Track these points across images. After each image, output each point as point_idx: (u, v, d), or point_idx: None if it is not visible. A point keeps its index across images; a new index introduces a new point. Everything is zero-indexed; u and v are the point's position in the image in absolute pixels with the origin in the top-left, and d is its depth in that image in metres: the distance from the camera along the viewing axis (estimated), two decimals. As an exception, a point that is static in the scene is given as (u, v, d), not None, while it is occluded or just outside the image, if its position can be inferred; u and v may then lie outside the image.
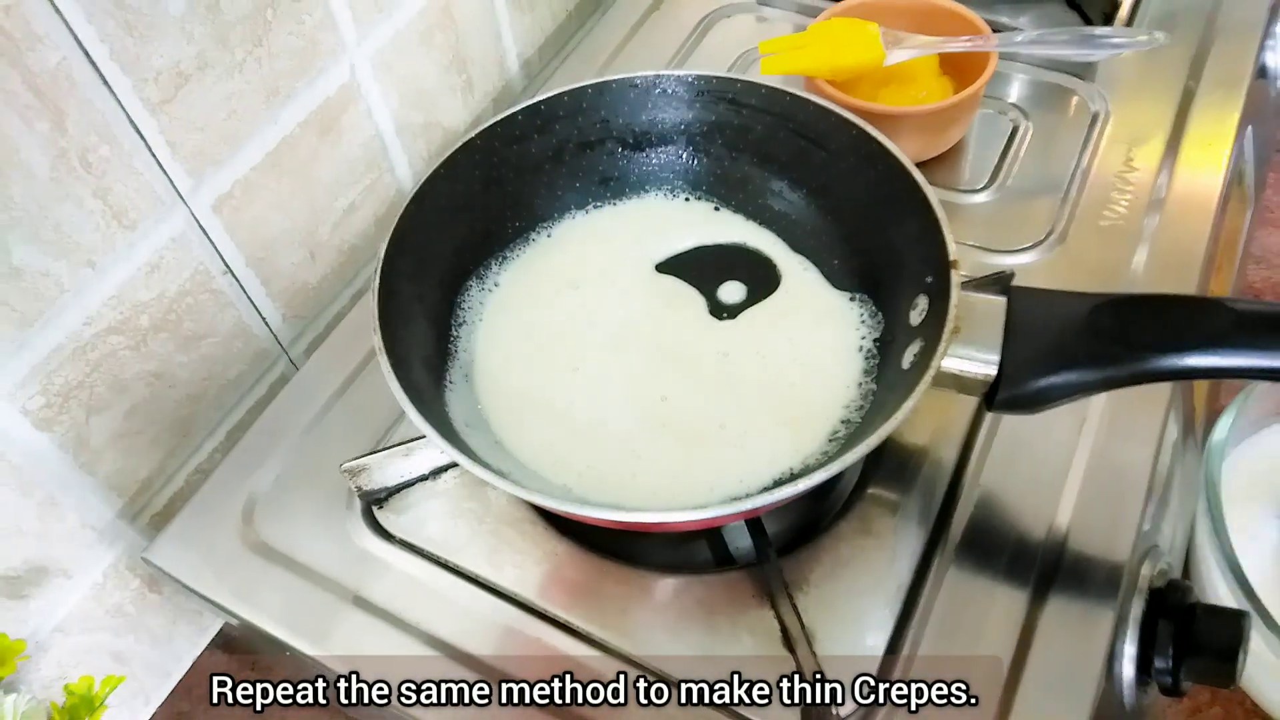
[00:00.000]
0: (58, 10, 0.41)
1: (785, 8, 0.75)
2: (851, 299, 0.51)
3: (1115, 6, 0.69)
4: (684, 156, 0.56)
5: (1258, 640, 0.49)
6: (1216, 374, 0.38)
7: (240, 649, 0.58)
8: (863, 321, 0.50)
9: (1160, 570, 0.47)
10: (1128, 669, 0.45)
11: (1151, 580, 0.46)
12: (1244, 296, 0.71)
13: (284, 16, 0.52)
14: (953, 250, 0.43)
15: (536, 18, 0.75)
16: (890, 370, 0.46)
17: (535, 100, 0.52)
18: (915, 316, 0.46)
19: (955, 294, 0.42)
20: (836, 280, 0.52)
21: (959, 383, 0.42)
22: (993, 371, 0.41)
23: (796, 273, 0.53)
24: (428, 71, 0.65)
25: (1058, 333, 0.40)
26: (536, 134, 0.53)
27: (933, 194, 0.45)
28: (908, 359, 0.45)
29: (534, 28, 0.75)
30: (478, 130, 0.51)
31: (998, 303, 0.42)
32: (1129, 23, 0.69)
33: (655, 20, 0.74)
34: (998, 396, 0.41)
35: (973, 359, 0.41)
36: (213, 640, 0.59)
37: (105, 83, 0.44)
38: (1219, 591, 0.52)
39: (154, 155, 0.48)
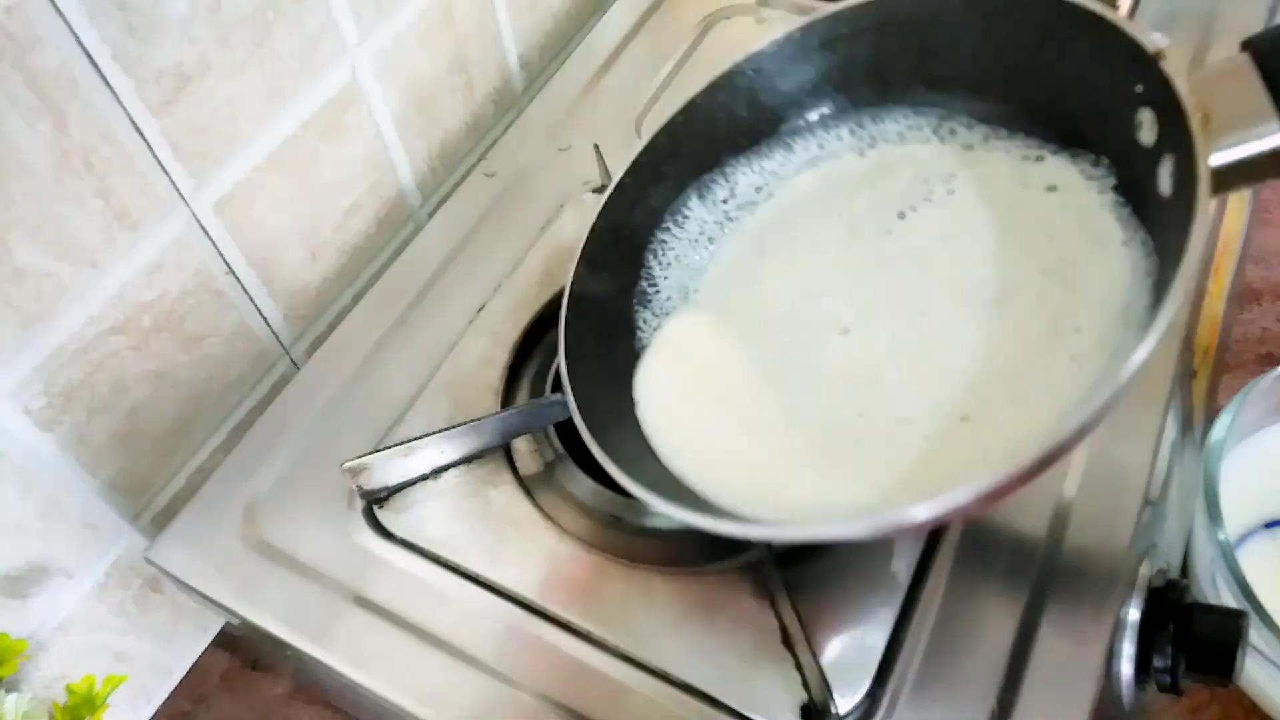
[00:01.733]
0: (60, 12, 0.41)
1: (785, 9, 0.75)
2: (1056, 154, 0.44)
3: (1114, 7, 0.69)
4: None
5: (1256, 639, 0.49)
6: None
7: (242, 648, 0.59)
8: (1090, 178, 0.42)
9: (1159, 569, 0.47)
10: (1126, 668, 0.45)
11: (1150, 579, 0.46)
12: (1242, 297, 0.71)
13: (286, 18, 0.52)
14: (1148, 42, 0.37)
15: (537, 18, 0.75)
16: (1153, 208, 0.39)
17: (636, 159, 0.49)
18: (1147, 135, 0.39)
19: (1179, 81, 0.35)
20: (1027, 136, 0.45)
21: (1247, 171, 0.34)
22: (1276, 135, 0.34)
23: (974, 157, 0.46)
24: (428, 72, 0.65)
25: None
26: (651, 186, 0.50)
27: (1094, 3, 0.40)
28: (1165, 183, 0.37)
29: (534, 28, 0.75)
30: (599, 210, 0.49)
31: (1239, 61, 0.35)
32: (1128, 24, 0.69)
33: (655, 21, 0.75)
34: None
35: (1246, 136, 0.34)
36: (214, 639, 0.59)
37: (107, 84, 0.44)
38: (1217, 590, 0.52)
39: (156, 156, 0.48)
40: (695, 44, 0.72)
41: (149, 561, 0.50)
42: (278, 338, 0.60)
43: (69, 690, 0.46)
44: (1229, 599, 0.51)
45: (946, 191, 0.47)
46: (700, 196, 0.52)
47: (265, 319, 0.58)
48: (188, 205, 0.51)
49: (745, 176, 0.52)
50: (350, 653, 0.46)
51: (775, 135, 0.51)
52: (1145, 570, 0.46)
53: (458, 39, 0.66)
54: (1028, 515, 0.47)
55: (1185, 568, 0.56)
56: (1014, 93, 0.45)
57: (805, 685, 0.43)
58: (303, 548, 0.50)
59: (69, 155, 0.44)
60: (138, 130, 0.47)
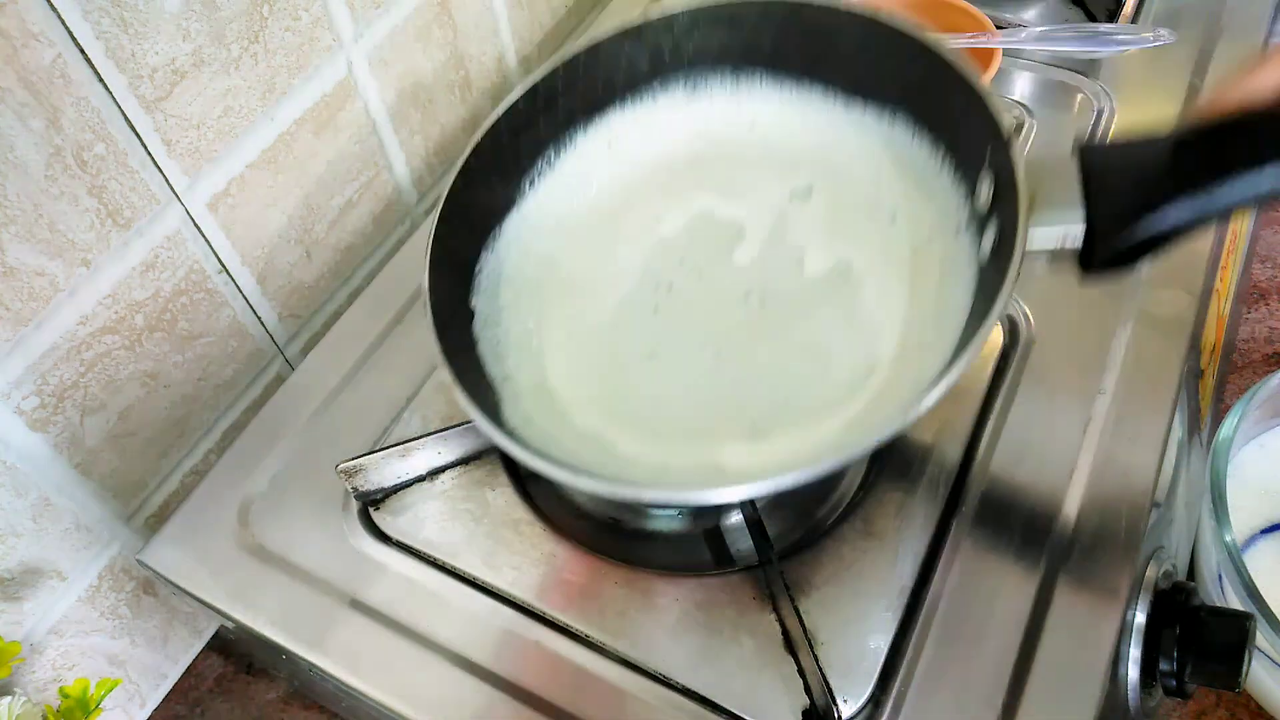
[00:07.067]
0: (53, 7, 0.41)
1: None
2: (941, 161, 0.47)
3: (1120, 4, 0.68)
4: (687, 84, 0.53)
5: (1263, 642, 0.49)
6: None
7: (236, 652, 0.58)
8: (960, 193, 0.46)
9: (1165, 572, 0.47)
10: (1132, 671, 0.45)
11: (1156, 582, 0.46)
12: (1248, 295, 0.70)
13: (280, 13, 0.52)
14: (1005, 124, 0.42)
15: (534, 14, 0.74)
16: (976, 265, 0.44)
17: (530, 84, 0.50)
18: (982, 198, 0.44)
19: (1019, 159, 0.40)
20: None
21: (1047, 252, 0.39)
22: (1079, 230, 0.39)
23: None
24: (425, 68, 0.64)
25: (1144, 177, 0.38)
26: (542, 116, 0.51)
27: (972, 69, 0.44)
28: (985, 246, 0.43)
29: (532, 24, 0.74)
30: (483, 130, 0.48)
31: (1068, 161, 0.39)
32: (1134, 20, 0.68)
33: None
34: (1095, 256, 0.39)
35: (1057, 221, 0.39)
36: (209, 643, 0.59)
37: (100, 80, 0.44)
38: (1224, 593, 0.52)
39: (149, 153, 0.47)
40: (695, 40, 0.72)
41: (142, 564, 0.50)
42: (272, 337, 0.59)
43: (63, 694, 0.46)
44: (1235, 601, 0.50)
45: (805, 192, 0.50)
46: (584, 134, 0.52)
47: (259, 318, 0.58)
48: (181, 203, 0.50)
49: (630, 126, 0.53)
50: (345, 657, 0.46)
51: (666, 93, 0.53)
52: (1152, 573, 0.46)
53: (454, 34, 0.66)
54: (1033, 517, 0.47)
55: (1192, 570, 0.56)
56: (906, 106, 0.49)
57: (807, 689, 0.42)
58: (297, 550, 0.49)
59: (62, 152, 0.43)
60: (131, 127, 0.46)
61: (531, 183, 0.52)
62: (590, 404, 0.46)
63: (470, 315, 0.47)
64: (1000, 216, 0.42)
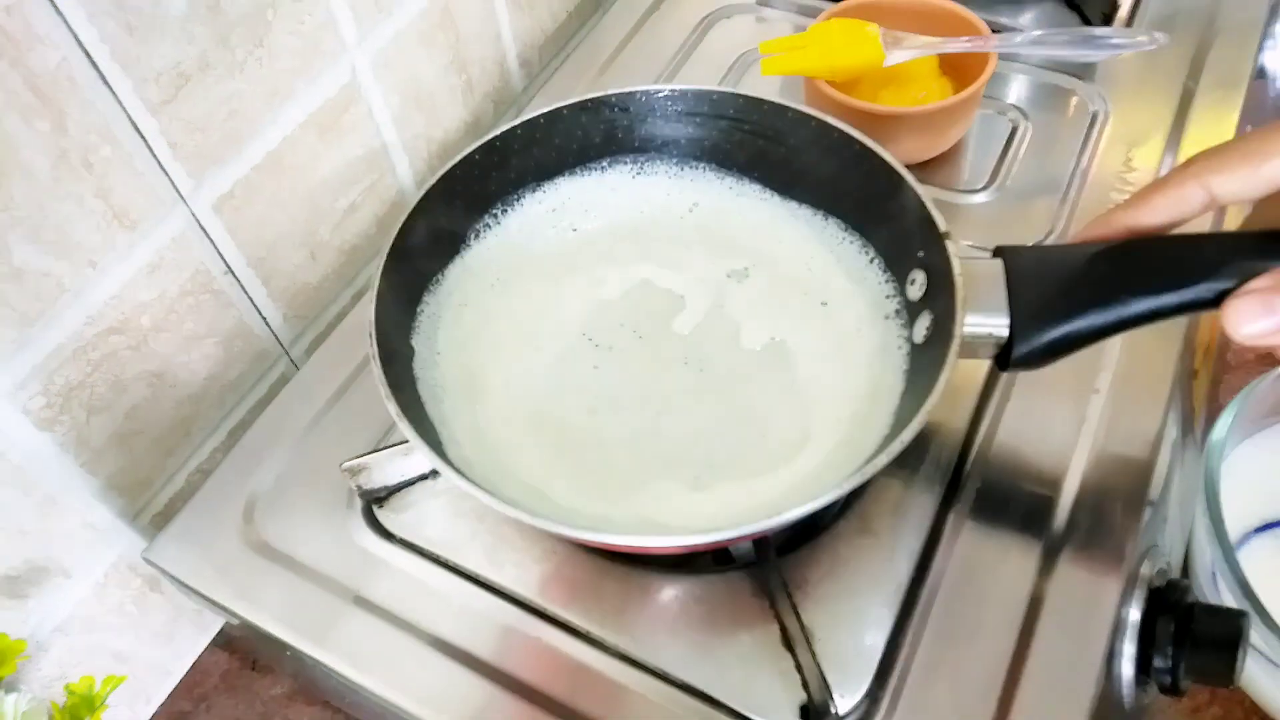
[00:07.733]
0: (59, 10, 0.41)
1: (785, 8, 0.75)
2: (870, 260, 0.51)
3: (1115, 7, 0.69)
4: (638, 165, 0.56)
5: (1257, 639, 0.49)
6: (1220, 300, 0.38)
7: (241, 648, 0.59)
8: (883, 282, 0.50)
9: (1159, 569, 0.47)
10: (1127, 668, 0.45)
11: (1151, 580, 0.46)
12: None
13: (285, 17, 0.52)
14: (941, 222, 0.44)
15: (536, 18, 0.75)
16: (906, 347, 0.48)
17: (489, 138, 0.51)
18: (914, 291, 0.47)
19: (956, 262, 0.42)
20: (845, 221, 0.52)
21: (971, 348, 0.42)
22: (1005, 331, 0.41)
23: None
24: (428, 72, 0.65)
25: (1060, 284, 0.41)
26: (495, 171, 0.52)
27: (905, 171, 0.47)
28: (919, 333, 0.46)
29: (534, 28, 0.75)
30: (438, 175, 0.50)
31: (994, 264, 0.42)
32: (1128, 23, 0.69)
33: (655, 21, 0.75)
34: (1013, 355, 0.42)
35: (983, 323, 0.41)
36: (214, 640, 0.59)
37: (106, 83, 0.44)
38: (1218, 591, 0.52)
39: (155, 155, 0.48)
40: (694, 43, 0.72)
41: (148, 561, 0.50)
42: (277, 338, 0.60)
43: (68, 690, 0.46)
44: (1229, 599, 0.51)
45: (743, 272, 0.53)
46: (532, 195, 0.54)
47: (264, 319, 0.58)
48: (187, 205, 0.50)
49: (576, 195, 0.55)
50: (349, 653, 0.46)
51: (614, 170, 0.55)
52: (1146, 570, 0.46)
53: (457, 38, 0.66)
54: (1027, 516, 0.47)
55: (1186, 568, 0.56)
56: (840, 206, 0.52)
57: (805, 685, 0.43)
58: (302, 548, 0.49)
59: (68, 155, 0.44)
60: (137, 130, 0.47)
61: (477, 234, 0.53)
62: (529, 454, 0.47)
63: (411, 353, 0.48)
64: (934, 310, 0.45)
